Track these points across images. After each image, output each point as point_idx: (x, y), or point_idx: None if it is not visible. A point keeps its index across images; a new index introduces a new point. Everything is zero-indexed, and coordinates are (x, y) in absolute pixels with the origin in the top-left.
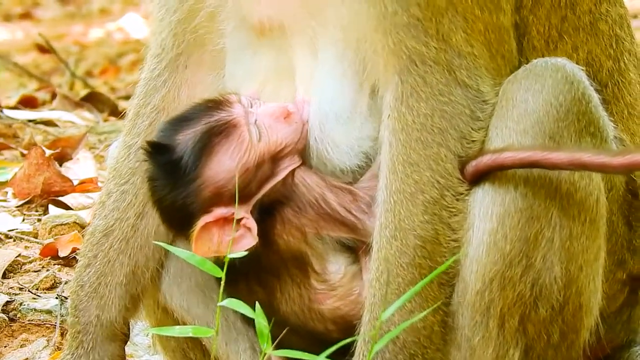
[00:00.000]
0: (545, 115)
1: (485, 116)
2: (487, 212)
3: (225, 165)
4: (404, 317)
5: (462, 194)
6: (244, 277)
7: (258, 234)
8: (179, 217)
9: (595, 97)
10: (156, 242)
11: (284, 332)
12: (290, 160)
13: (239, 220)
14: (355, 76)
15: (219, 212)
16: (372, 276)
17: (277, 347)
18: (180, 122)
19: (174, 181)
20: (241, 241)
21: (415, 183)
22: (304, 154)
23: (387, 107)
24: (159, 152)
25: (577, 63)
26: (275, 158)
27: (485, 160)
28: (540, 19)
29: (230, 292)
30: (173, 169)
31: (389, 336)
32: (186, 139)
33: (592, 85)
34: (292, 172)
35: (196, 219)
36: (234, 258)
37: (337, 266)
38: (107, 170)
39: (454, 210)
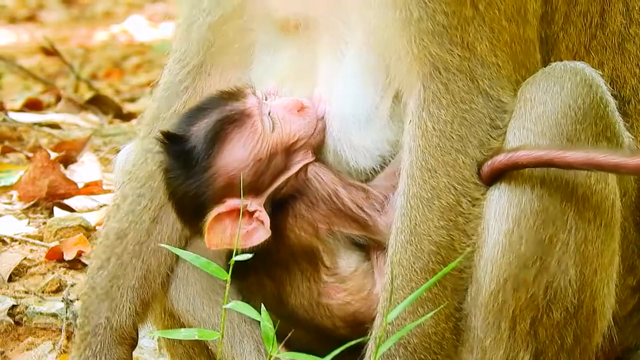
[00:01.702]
0: (563, 118)
1: (505, 125)
2: (503, 213)
3: (237, 154)
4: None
5: (478, 199)
6: (253, 270)
7: (270, 227)
8: (192, 208)
9: (612, 102)
10: (162, 245)
11: (290, 333)
12: (304, 154)
13: (252, 213)
14: (378, 80)
15: (232, 203)
16: (385, 280)
17: (283, 347)
18: (195, 112)
19: (187, 171)
20: (254, 234)
21: (432, 189)
22: (320, 151)
23: (409, 113)
24: (173, 142)
25: None
26: (289, 151)
27: (501, 159)
28: (570, 37)
29: (239, 285)
30: (186, 159)
31: (396, 337)
32: (199, 129)
33: (609, 90)
34: (306, 167)
35: (209, 210)
36: (240, 261)
37: (348, 261)
38: (117, 174)
39: (470, 216)
